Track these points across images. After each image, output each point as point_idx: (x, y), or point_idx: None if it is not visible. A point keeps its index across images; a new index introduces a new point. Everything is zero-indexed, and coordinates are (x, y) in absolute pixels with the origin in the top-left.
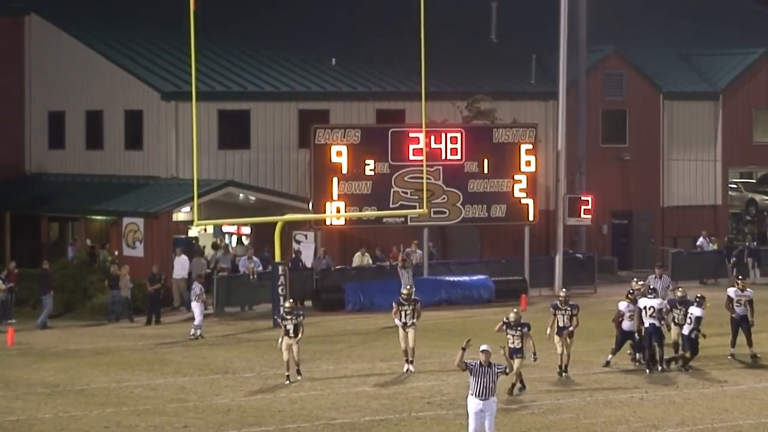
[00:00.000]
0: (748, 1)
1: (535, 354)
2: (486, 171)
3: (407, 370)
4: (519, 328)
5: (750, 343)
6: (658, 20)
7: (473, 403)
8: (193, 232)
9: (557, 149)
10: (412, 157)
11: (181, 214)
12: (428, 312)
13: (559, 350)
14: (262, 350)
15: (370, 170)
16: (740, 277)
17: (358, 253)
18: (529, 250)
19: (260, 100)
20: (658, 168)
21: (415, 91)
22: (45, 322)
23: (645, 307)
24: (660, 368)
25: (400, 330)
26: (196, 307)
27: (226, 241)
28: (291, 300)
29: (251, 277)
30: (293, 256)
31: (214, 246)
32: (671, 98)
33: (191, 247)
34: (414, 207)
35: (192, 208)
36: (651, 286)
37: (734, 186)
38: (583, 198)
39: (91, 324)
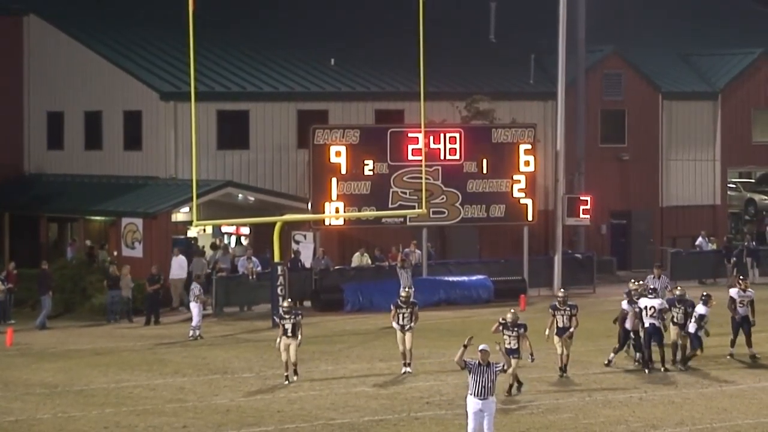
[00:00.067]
0: (747, 1)
1: (532, 355)
2: (485, 171)
3: (405, 372)
4: (515, 329)
5: (750, 344)
6: (657, 20)
7: (472, 403)
8: (192, 233)
9: (556, 149)
10: (411, 158)
11: (180, 215)
12: (427, 312)
13: (559, 351)
14: (261, 350)
15: (369, 170)
16: (741, 277)
17: (357, 254)
18: (528, 250)
19: (259, 100)
20: (657, 168)
21: (414, 91)
22: (44, 322)
23: (646, 307)
24: (662, 368)
25: (398, 333)
26: (194, 308)
27: (225, 241)
28: (289, 299)
29: (250, 277)
30: (292, 256)
31: (213, 246)
32: (670, 98)
33: (190, 248)
34: (413, 207)
35: (191, 209)
36: (651, 287)
37: (733, 186)
38: (582, 198)
39: (90, 324)
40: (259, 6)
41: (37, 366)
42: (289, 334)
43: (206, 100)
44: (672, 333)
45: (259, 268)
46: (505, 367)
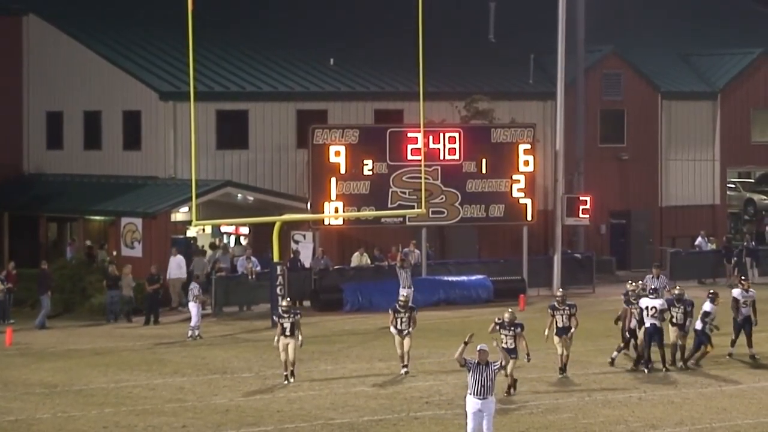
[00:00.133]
0: (747, 1)
1: (528, 355)
2: (484, 171)
3: (403, 373)
4: (512, 328)
5: (750, 344)
6: (656, 20)
7: (472, 403)
8: (191, 233)
9: (555, 149)
10: (410, 157)
11: (180, 215)
12: (426, 312)
13: (559, 351)
14: (261, 350)
15: (369, 170)
16: (744, 277)
17: (357, 253)
18: (527, 250)
19: (258, 100)
20: (656, 168)
21: (413, 91)
22: (43, 322)
23: (647, 307)
24: (663, 369)
25: (396, 337)
26: (193, 308)
27: (225, 241)
28: (288, 299)
29: (249, 277)
30: (292, 256)
31: (212, 246)
32: (669, 98)
33: (190, 248)
34: (412, 207)
35: (190, 209)
36: (653, 287)
37: (732, 186)
38: (581, 198)
39: (89, 324)
40: (259, 6)
41: (37, 366)
42: (288, 333)
43: (205, 100)
44: (671, 334)
45: (259, 268)
46: (503, 363)
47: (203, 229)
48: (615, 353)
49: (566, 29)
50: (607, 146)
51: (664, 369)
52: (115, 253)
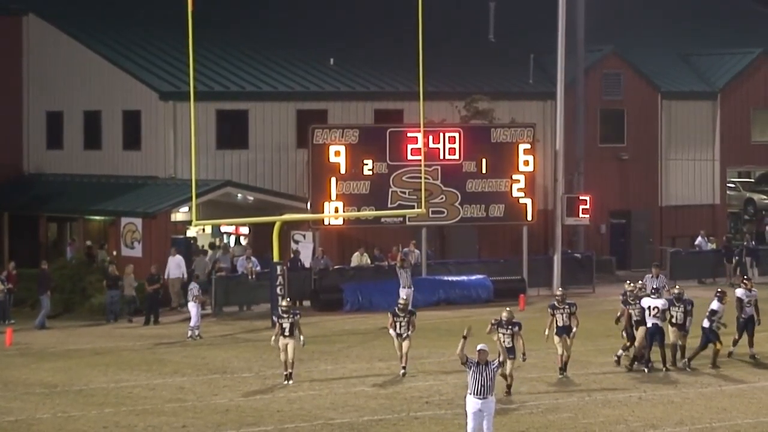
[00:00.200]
0: (747, 1)
1: (524, 354)
2: (484, 171)
3: (401, 374)
4: (510, 327)
5: (751, 344)
6: (656, 20)
7: (472, 403)
8: (191, 233)
9: (555, 149)
10: (410, 157)
11: (180, 214)
12: (426, 312)
13: (559, 351)
14: (261, 350)
15: (369, 170)
16: (746, 277)
17: (357, 253)
18: (527, 249)
19: (258, 100)
20: (656, 168)
21: (413, 91)
22: (43, 322)
23: (649, 307)
24: (664, 369)
25: (395, 340)
26: (192, 308)
27: (225, 241)
28: (288, 299)
29: (249, 277)
30: (292, 256)
31: (212, 246)
32: (669, 98)
33: (189, 248)
34: (412, 207)
35: (190, 208)
36: (654, 286)
37: (732, 185)
38: (581, 198)
39: (89, 324)
40: (259, 6)
41: (37, 366)
42: (287, 333)
43: (205, 100)
44: (671, 335)
45: (259, 268)
46: (501, 359)
47: (203, 229)
48: (621, 351)
49: (566, 29)
50: (607, 146)
51: (664, 369)
52: (115, 253)
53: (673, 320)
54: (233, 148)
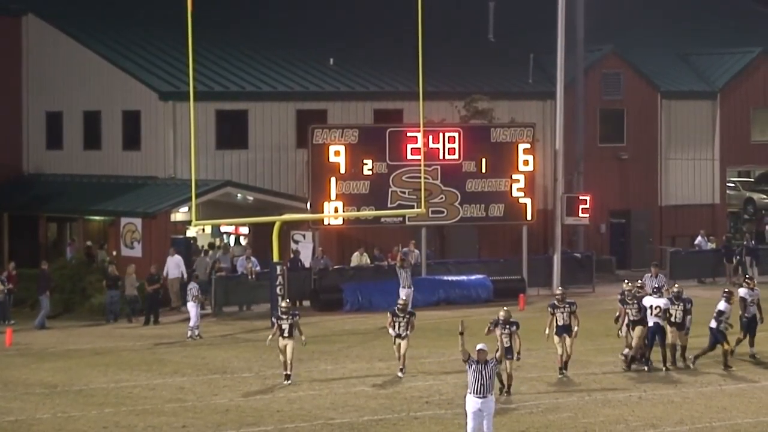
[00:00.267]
0: (747, 0)
1: (518, 353)
2: (484, 170)
3: (398, 376)
4: (507, 326)
5: (752, 343)
6: (656, 20)
7: (472, 403)
8: (191, 233)
9: (555, 149)
10: (410, 157)
11: (179, 214)
12: (426, 312)
13: (559, 351)
14: (261, 350)
15: (368, 170)
16: (749, 276)
17: (357, 253)
18: (527, 249)
19: (258, 100)
20: (656, 167)
21: (412, 90)
22: (42, 322)
23: (651, 306)
24: (664, 368)
25: (394, 339)
26: (191, 308)
27: (225, 241)
28: (287, 300)
29: (249, 277)
30: (291, 256)
31: (211, 246)
32: (669, 97)
33: (189, 248)
34: (412, 207)
35: (190, 208)
36: (655, 286)
37: (732, 185)
38: (581, 197)
39: (89, 324)
40: (259, 6)
41: (37, 366)
42: (286, 334)
43: (205, 100)
44: (669, 335)
45: (258, 268)
46: (498, 356)
47: (203, 229)
48: (626, 350)
49: (566, 29)
50: (607, 146)
51: (664, 368)
52: (114, 253)
53: (673, 319)
54: (233, 148)
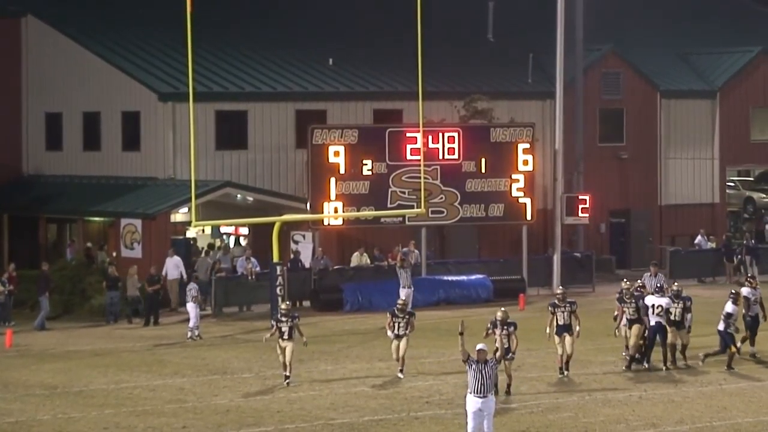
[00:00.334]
0: (746, 0)
1: (513, 353)
2: (483, 170)
3: (397, 377)
4: (505, 327)
5: (753, 342)
6: (655, 19)
7: (472, 403)
8: (191, 233)
9: (555, 148)
10: (409, 157)
11: (179, 215)
12: (426, 312)
13: (559, 351)
14: (261, 351)
15: (368, 170)
16: (751, 275)
17: (357, 253)
18: (527, 249)
19: (257, 100)
20: (655, 167)
21: (412, 90)
22: (42, 323)
23: (653, 305)
24: (664, 368)
25: (393, 341)
26: (191, 309)
27: (225, 241)
28: (287, 302)
29: (249, 277)
30: (291, 256)
31: (211, 247)
32: (669, 97)
33: (189, 249)
34: (412, 207)
35: (190, 209)
36: (658, 285)
37: (732, 184)
38: (580, 197)
39: (89, 325)
40: (259, 6)
41: (37, 367)
42: (285, 336)
43: (204, 101)
44: (669, 334)
45: (258, 269)
46: (497, 355)
47: (203, 230)
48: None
49: (565, 28)
50: (607, 145)
51: (664, 368)
52: (114, 254)
53: (672, 317)
54: (232, 148)
